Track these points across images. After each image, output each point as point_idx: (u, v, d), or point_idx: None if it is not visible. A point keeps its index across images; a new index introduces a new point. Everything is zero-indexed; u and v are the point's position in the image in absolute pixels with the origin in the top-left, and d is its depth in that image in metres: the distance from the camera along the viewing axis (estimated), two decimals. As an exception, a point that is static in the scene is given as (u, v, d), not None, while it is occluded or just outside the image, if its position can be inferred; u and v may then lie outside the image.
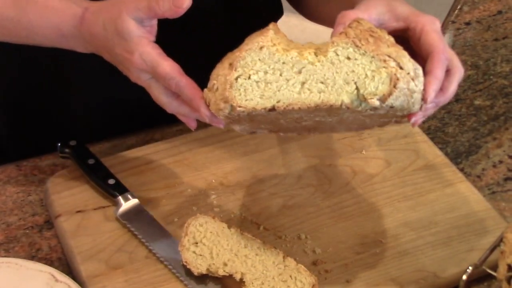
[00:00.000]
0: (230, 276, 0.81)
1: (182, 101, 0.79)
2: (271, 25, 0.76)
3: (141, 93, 0.95)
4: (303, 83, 0.72)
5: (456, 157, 1.01)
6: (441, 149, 1.00)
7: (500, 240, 0.80)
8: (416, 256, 0.86)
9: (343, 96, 0.71)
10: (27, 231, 0.90)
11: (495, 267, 0.79)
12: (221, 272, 0.81)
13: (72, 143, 0.96)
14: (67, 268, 0.86)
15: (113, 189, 0.91)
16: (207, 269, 0.82)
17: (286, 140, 1.00)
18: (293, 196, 0.93)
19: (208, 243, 0.84)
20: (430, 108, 0.77)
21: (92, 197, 0.91)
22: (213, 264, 0.82)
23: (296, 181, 0.95)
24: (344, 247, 0.87)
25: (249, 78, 0.73)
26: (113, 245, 0.86)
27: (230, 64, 0.74)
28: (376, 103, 0.71)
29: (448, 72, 0.77)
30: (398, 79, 0.71)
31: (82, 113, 1.06)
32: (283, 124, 0.81)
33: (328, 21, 0.98)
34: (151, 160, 0.96)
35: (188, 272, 0.82)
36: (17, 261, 0.84)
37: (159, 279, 0.83)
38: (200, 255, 0.83)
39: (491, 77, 1.14)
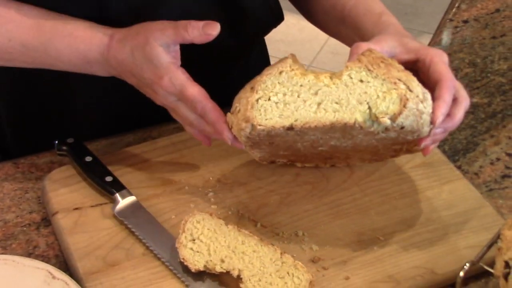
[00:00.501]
0: (228, 272, 0.81)
1: (206, 122, 0.84)
2: (290, 55, 0.82)
3: (139, 92, 0.95)
4: (319, 104, 0.78)
5: (454, 155, 1.01)
6: (438, 146, 1.00)
7: (497, 237, 0.80)
8: (413, 253, 0.86)
9: (357, 115, 0.77)
10: (24, 228, 0.90)
11: (492, 264, 0.79)
12: (218, 269, 0.82)
13: (70, 140, 0.96)
14: (64, 265, 0.86)
15: (111, 187, 0.91)
16: (205, 266, 0.82)
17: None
18: (290, 193, 0.93)
19: (206, 240, 0.84)
20: (439, 133, 0.83)
21: (89, 194, 0.92)
22: (211, 260, 0.82)
23: (294, 179, 0.95)
24: (341, 244, 0.87)
25: (269, 99, 0.79)
26: (110, 242, 0.86)
27: (252, 88, 0.80)
28: (387, 122, 0.76)
29: (455, 100, 0.83)
30: (407, 99, 0.76)
31: (80, 111, 1.06)
32: (301, 150, 0.87)
33: (327, 30, 1.05)
34: (149, 157, 0.97)
35: (186, 269, 0.82)
36: (14, 258, 0.84)
37: (156, 276, 0.83)
38: (198, 252, 0.83)
39: (489, 74, 1.14)
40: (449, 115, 0.82)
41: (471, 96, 1.09)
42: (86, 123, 1.05)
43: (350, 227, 0.89)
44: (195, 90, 0.83)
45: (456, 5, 1.27)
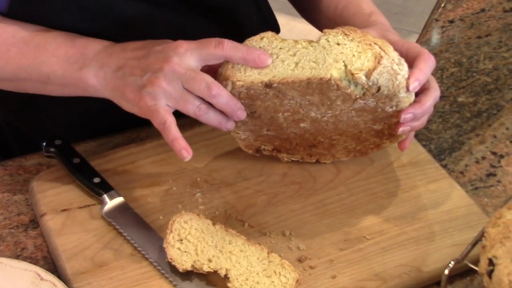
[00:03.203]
0: (215, 272, 0.82)
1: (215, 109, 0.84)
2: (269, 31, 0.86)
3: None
4: (297, 63, 0.82)
5: (440, 154, 1.01)
6: (424, 146, 1.01)
7: (482, 235, 0.80)
8: (399, 252, 0.87)
9: (333, 71, 0.80)
10: (12, 230, 0.90)
11: (477, 262, 0.80)
12: (206, 269, 0.82)
13: (57, 142, 0.96)
14: (53, 266, 0.86)
15: (99, 188, 0.91)
16: (192, 266, 0.82)
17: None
18: (277, 193, 0.94)
19: (193, 240, 0.84)
20: (409, 119, 0.84)
21: (77, 195, 0.92)
22: (198, 260, 0.82)
23: (281, 179, 0.95)
24: (328, 244, 0.88)
25: None
26: (98, 243, 0.87)
27: None
28: (362, 78, 0.79)
29: (425, 89, 0.85)
30: (382, 57, 0.80)
31: (67, 112, 1.06)
32: (283, 127, 0.89)
33: (321, 29, 1.04)
34: (137, 158, 0.97)
35: (173, 269, 0.83)
36: (2, 260, 0.84)
37: (144, 276, 0.83)
38: (185, 252, 0.83)
39: (474, 74, 1.15)
40: (419, 101, 0.84)
41: (457, 95, 1.11)
42: (72, 123, 1.05)
43: (336, 226, 0.90)
44: (204, 73, 0.82)
45: (442, 5, 1.28)
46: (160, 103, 0.82)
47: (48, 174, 0.94)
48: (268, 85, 0.81)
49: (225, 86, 0.82)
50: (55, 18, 0.91)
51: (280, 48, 0.83)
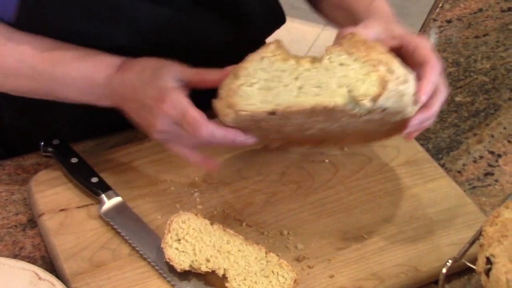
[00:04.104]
0: (213, 272, 0.81)
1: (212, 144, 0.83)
2: (274, 41, 0.81)
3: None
4: (300, 88, 0.77)
5: (437, 153, 1.01)
6: (422, 145, 1.01)
7: (479, 233, 0.80)
8: (397, 251, 0.87)
9: (337, 98, 0.76)
10: (11, 230, 0.90)
11: (474, 261, 0.79)
12: (203, 268, 0.81)
13: (55, 142, 0.95)
14: (51, 266, 0.85)
15: (96, 188, 0.91)
16: (190, 266, 0.82)
17: (269, 138, 1.00)
18: (276, 192, 0.93)
19: (191, 239, 0.84)
20: (416, 124, 0.82)
21: (75, 195, 0.91)
22: (196, 260, 0.82)
23: (279, 178, 0.95)
24: (326, 243, 0.87)
25: (251, 85, 0.79)
26: (96, 242, 0.86)
27: (235, 74, 0.79)
28: (368, 104, 0.76)
29: (433, 93, 0.82)
30: (387, 81, 0.76)
31: (66, 112, 1.06)
32: (291, 133, 0.86)
33: (326, 16, 1.05)
34: (135, 158, 0.96)
35: (171, 269, 0.82)
36: (0, 260, 0.83)
37: (142, 276, 0.83)
38: (183, 252, 0.83)
39: (472, 74, 1.15)
40: (426, 106, 0.81)
41: (455, 95, 1.10)
42: (71, 123, 1.05)
43: (334, 226, 0.89)
44: (196, 114, 0.81)
45: (440, 5, 1.28)
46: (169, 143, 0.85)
47: (46, 174, 0.94)
48: (272, 113, 0.78)
49: (228, 114, 0.79)
50: (63, 23, 0.90)
51: (282, 71, 0.78)
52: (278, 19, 1.08)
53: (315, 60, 0.79)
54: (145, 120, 0.85)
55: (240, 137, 0.82)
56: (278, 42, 0.82)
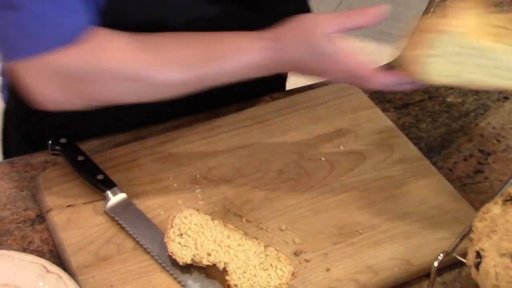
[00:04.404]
0: (214, 265, 0.81)
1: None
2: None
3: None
4: (492, 69, 0.78)
5: (429, 152, 1.01)
6: (415, 144, 1.01)
7: (470, 228, 0.80)
8: (391, 245, 0.87)
9: None
10: (20, 224, 0.90)
11: (465, 255, 0.79)
12: (205, 262, 0.81)
13: (63, 140, 0.95)
14: (58, 259, 0.85)
15: (102, 184, 0.91)
16: (192, 259, 0.82)
17: (267, 136, 1.00)
18: (274, 189, 0.93)
19: (193, 234, 0.84)
20: None
21: (81, 192, 0.91)
22: (198, 254, 0.82)
23: (277, 175, 0.95)
24: (322, 238, 0.87)
25: (440, 57, 0.78)
26: (101, 237, 0.86)
27: (420, 43, 0.79)
28: None
29: None
30: None
31: (74, 112, 1.06)
32: None
33: None
34: (139, 156, 0.96)
35: (174, 262, 0.82)
36: (10, 253, 0.84)
37: (146, 269, 0.83)
38: (185, 246, 0.83)
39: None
40: None
41: (446, 96, 1.10)
42: (78, 123, 1.05)
43: (331, 221, 0.89)
44: (366, 70, 0.83)
45: (431, 9, 1.28)
46: None
47: (53, 171, 0.94)
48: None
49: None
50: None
51: (476, 49, 0.77)
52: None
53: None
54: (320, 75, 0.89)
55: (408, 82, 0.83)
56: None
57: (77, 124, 1.05)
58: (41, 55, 0.81)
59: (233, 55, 0.86)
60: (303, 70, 0.87)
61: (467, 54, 0.77)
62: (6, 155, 1.16)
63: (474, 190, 0.96)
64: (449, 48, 0.78)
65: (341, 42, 0.84)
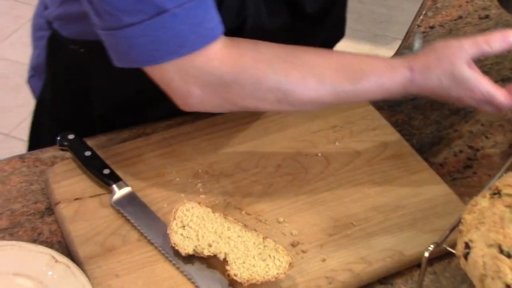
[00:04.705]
0: (215, 256, 0.81)
1: None
2: None
3: (135, 94, 0.94)
4: None
5: (421, 148, 1.01)
6: (407, 140, 1.01)
7: (459, 221, 0.80)
8: (383, 237, 0.87)
9: None
10: (30, 217, 0.90)
11: (454, 245, 0.79)
12: (206, 253, 0.81)
13: (70, 136, 0.95)
14: (66, 250, 0.85)
15: (108, 179, 0.91)
16: (194, 250, 0.82)
17: (266, 133, 1.00)
18: (272, 183, 0.93)
19: (195, 226, 0.84)
20: None
21: (88, 186, 0.91)
22: (199, 245, 0.82)
23: (275, 170, 0.95)
24: (318, 230, 0.87)
25: None
26: (107, 229, 0.86)
27: None
28: None
29: None
30: None
31: (83, 110, 1.06)
32: None
33: None
34: (143, 152, 0.96)
35: (176, 253, 0.82)
36: (20, 244, 0.84)
37: (150, 260, 0.83)
38: (187, 237, 0.83)
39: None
40: None
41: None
42: (86, 120, 1.05)
43: (326, 214, 0.89)
44: (502, 96, 0.86)
45: (424, 12, 1.27)
46: None
47: (62, 166, 0.94)
48: None
49: None
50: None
51: None
52: (340, 33, 1.08)
53: None
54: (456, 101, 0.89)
55: None
56: None
57: (86, 121, 1.05)
58: (189, 57, 0.80)
59: (375, 79, 0.86)
60: (439, 96, 0.88)
61: None
62: (35, 141, 1.16)
63: (463, 184, 0.96)
64: None
65: (477, 69, 0.87)
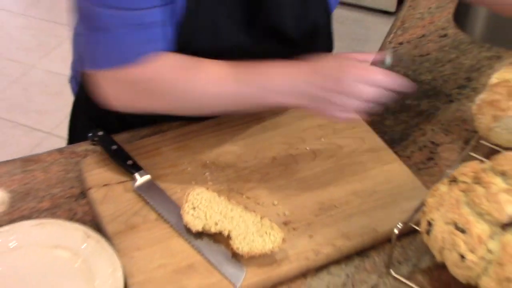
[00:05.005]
0: (220, 232, 0.81)
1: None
2: None
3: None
4: None
5: (392, 143, 1.01)
6: (380, 136, 1.00)
7: (423, 203, 0.80)
8: (361, 217, 0.86)
9: None
10: (67, 200, 0.90)
11: (419, 224, 0.79)
12: (213, 230, 0.81)
13: (100, 133, 0.95)
14: (97, 227, 0.85)
15: (131, 168, 0.90)
16: (202, 228, 0.82)
17: (263, 131, 0.99)
18: (268, 172, 0.93)
19: (203, 208, 0.83)
20: None
21: (115, 174, 0.91)
22: (207, 224, 0.82)
23: (271, 162, 0.95)
24: (307, 211, 0.87)
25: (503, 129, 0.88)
26: (130, 210, 0.86)
27: (493, 116, 0.89)
28: None
29: None
30: None
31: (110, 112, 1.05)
32: None
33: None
34: (160, 146, 0.96)
35: (188, 230, 0.82)
36: (59, 222, 0.84)
37: (166, 236, 0.83)
38: (197, 217, 0.82)
39: (418, 83, 1.14)
40: None
41: (405, 99, 1.10)
42: (113, 119, 1.05)
43: (313, 198, 0.89)
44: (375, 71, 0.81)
45: (394, 31, 1.27)
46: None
47: (93, 158, 0.93)
48: None
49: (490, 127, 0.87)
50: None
51: None
52: (329, 45, 1.07)
53: None
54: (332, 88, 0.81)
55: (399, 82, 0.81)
56: None
57: (112, 121, 1.05)
58: (118, 68, 0.82)
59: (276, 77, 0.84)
60: (318, 79, 0.82)
61: None
62: (72, 136, 1.16)
63: (426, 173, 0.96)
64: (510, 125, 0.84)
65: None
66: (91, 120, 1.07)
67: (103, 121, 1.00)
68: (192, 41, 0.88)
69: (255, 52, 0.90)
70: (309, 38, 0.98)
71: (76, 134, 1.13)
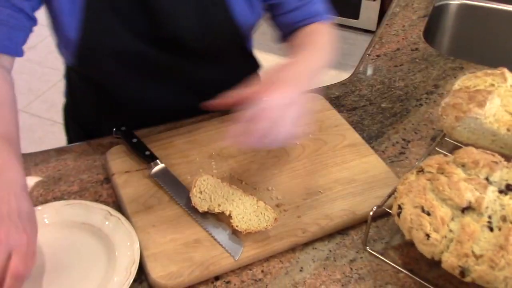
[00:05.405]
0: (223, 212, 0.81)
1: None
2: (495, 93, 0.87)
3: (168, 100, 0.93)
4: (493, 141, 0.85)
5: (369, 139, 1.00)
6: (360, 134, 1.00)
7: (394, 190, 0.79)
8: (341, 201, 0.86)
9: None
10: (93, 184, 0.89)
11: (391, 207, 0.79)
12: (217, 210, 0.81)
13: (123, 128, 0.94)
14: (118, 207, 0.85)
15: (148, 158, 0.90)
16: (208, 208, 0.81)
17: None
18: (264, 163, 0.92)
19: (209, 192, 0.83)
20: None
21: (135, 162, 0.90)
22: (212, 205, 0.81)
23: (267, 154, 0.94)
24: (296, 195, 0.86)
25: (464, 128, 0.87)
26: (147, 193, 0.85)
27: (456, 117, 0.87)
28: None
29: None
30: None
31: (131, 111, 1.05)
32: None
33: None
34: (173, 140, 0.95)
35: (196, 211, 0.82)
36: (87, 203, 0.83)
37: (177, 215, 0.82)
38: (203, 200, 0.82)
39: (392, 89, 1.13)
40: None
41: (381, 102, 1.09)
42: (133, 117, 1.04)
43: (302, 184, 0.88)
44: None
45: (373, 45, 1.26)
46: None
47: (116, 149, 0.93)
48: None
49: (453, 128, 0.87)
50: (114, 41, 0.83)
51: (487, 130, 0.84)
52: (253, 64, 1.02)
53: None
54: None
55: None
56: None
57: (133, 118, 1.04)
58: None
59: None
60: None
61: (480, 131, 0.83)
62: (69, 140, 1.13)
63: (398, 165, 0.95)
64: (467, 124, 0.84)
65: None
66: (79, 125, 1.06)
67: (130, 119, 0.98)
68: (97, 46, 0.85)
69: (160, 60, 0.86)
70: (218, 52, 0.91)
71: (69, 135, 1.11)
